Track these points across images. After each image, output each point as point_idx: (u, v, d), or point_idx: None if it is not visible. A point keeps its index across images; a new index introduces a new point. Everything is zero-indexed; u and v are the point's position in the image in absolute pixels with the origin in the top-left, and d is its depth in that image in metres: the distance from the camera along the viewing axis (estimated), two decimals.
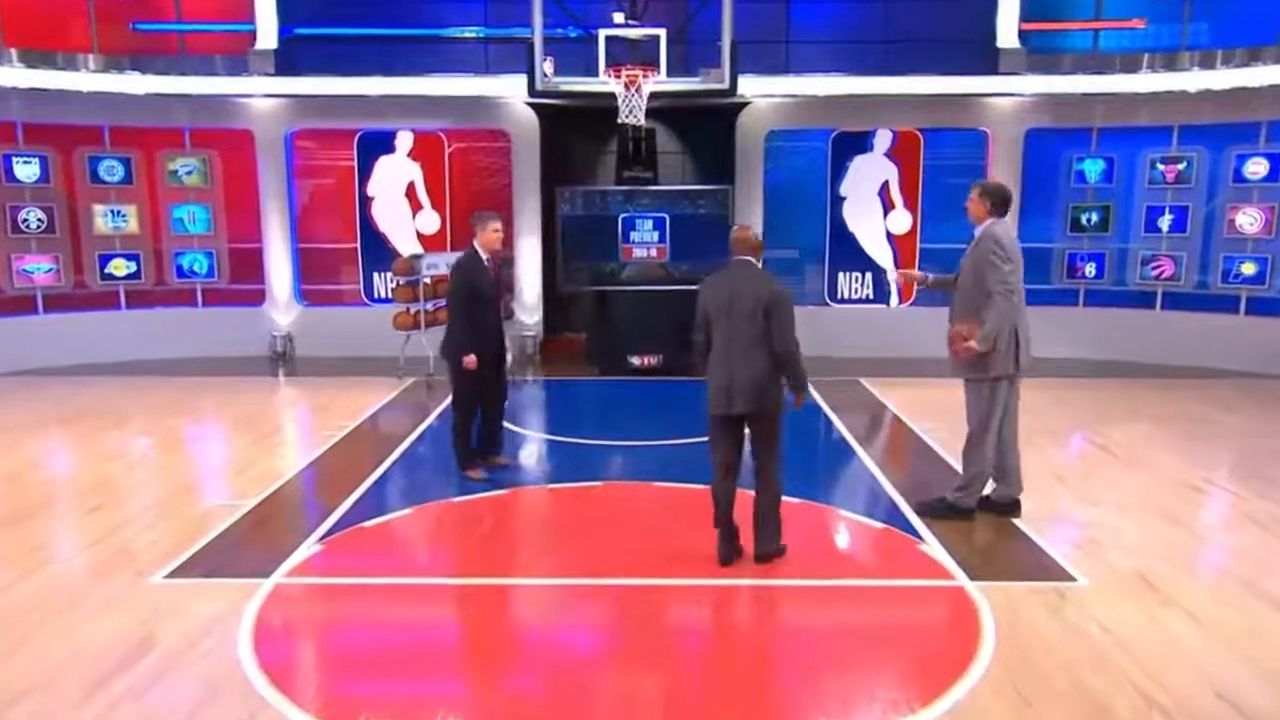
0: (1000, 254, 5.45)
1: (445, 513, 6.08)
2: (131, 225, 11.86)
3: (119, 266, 11.83)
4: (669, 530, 5.71)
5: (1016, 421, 5.83)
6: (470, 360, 6.36)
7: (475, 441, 6.71)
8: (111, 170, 11.68)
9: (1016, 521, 5.80)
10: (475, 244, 6.49)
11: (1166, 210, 11.59)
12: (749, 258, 5.00)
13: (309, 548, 5.36)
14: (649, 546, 5.41)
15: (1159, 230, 11.66)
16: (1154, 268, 11.71)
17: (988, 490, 5.92)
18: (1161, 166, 11.56)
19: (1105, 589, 4.79)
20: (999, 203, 5.71)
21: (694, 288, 10.95)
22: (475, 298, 6.43)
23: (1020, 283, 5.55)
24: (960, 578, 4.92)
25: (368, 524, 5.77)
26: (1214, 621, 4.42)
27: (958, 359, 5.70)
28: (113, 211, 11.75)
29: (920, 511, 5.92)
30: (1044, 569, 5.08)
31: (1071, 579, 4.91)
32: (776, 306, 4.79)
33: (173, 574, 4.98)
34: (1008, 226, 5.73)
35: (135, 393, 9.86)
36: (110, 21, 11.61)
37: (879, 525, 5.79)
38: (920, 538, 5.52)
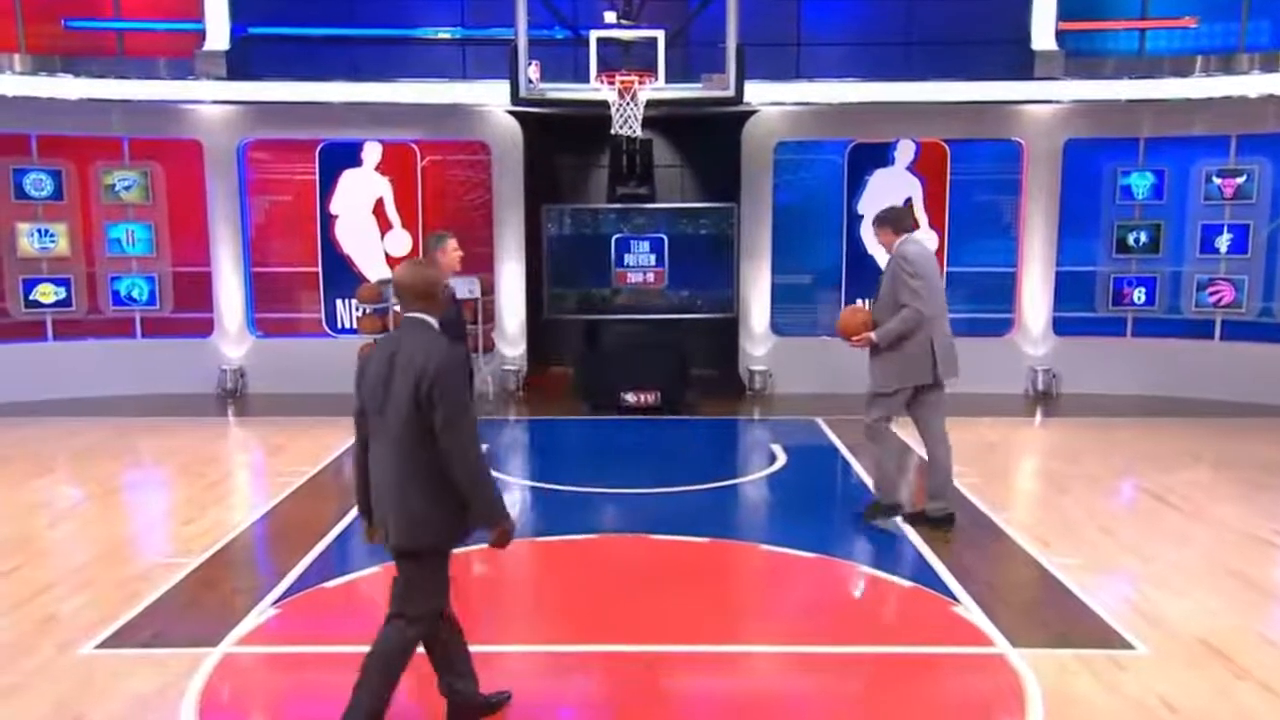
0: (908, 269, 6.40)
1: None
2: (61, 246, 11.86)
3: (46, 293, 11.80)
4: (670, 589, 5.66)
5: (934, 436, 6.77)
6: None
7: None
8: (39, 184, 11.69)
9: (1062, 579, 5.79)
10: None
11: (1225, 229, 11.68)
12: (421, 314, 3.80)
13: (262, 612, 5.28)
14: (648, 608, 5.36)
15: (1216, 251, 11.73)
16: (1211, 293, 11.77)
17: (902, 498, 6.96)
18: (1218, 180, 11.67)
19: (1167, 658, 4.75)
20: (897, 223, 6.69)
21: (696, 316, 11.31)
22: (445, 326, 6.38)
23: (935, 296, 6.52)
24: (1001, 644, 4.87)
25: (329, 584, 5.72)
26: None
27: (854, 346, 6.70)
28: (40, 231, 11.75)
29: (908, 521, 6.79)
30: (1096, 634, 5.04)
31: (1128, 646, 4.87)
32: (442, 387, 3.58)
33: (104, 644, 4.90)
34: (920, 244, 6.66)
35: (63, 435, 9.79)
36: (39, 18, 11.70)
37: (906, 584, 5.75)
38: (954, 598, 5.49)
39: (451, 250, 6.45)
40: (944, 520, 6.72)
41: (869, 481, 8.02)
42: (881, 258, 12.07)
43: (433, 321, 3.80)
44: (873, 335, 6.52)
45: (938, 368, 6.52)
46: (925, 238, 11.88)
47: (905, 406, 6.74)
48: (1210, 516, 7.18)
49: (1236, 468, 8.60)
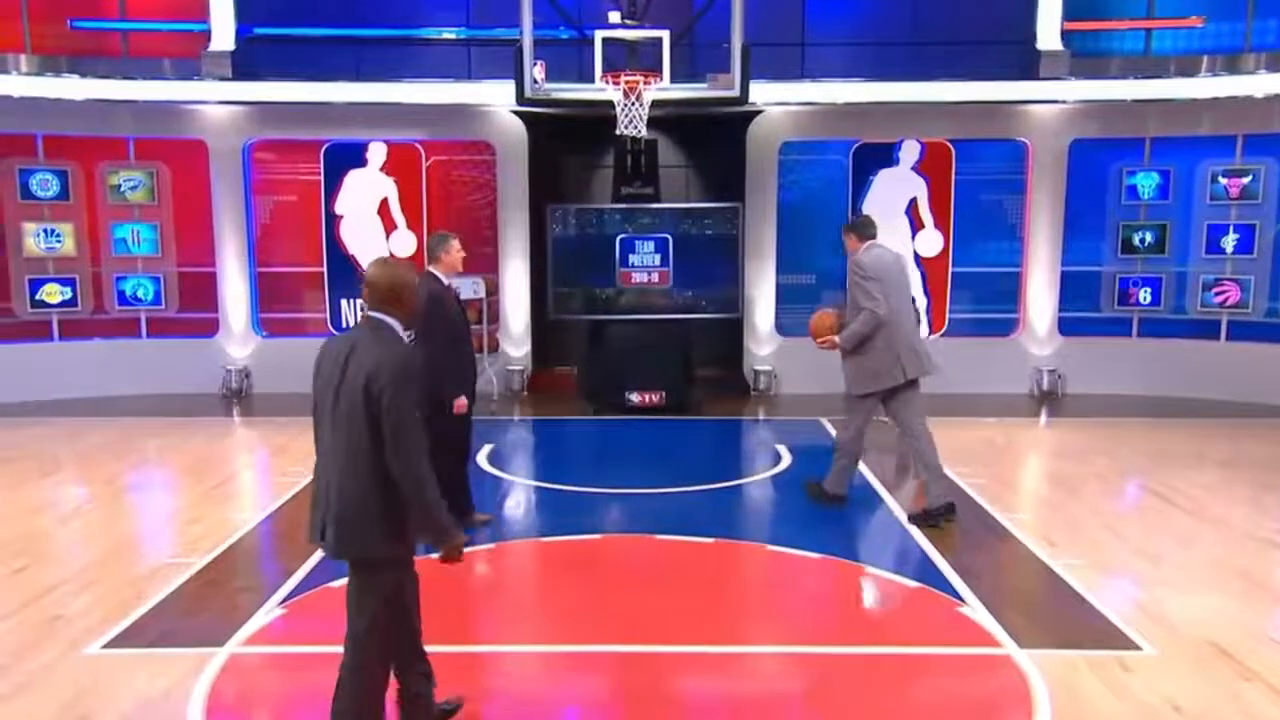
0: (861, 273, 6.79)
1: (423, 570, 5.98)
2: (67, 246, 11.87)
3: (52, 293, 11.82)
4: (675, 590, 5.67)
5: (914, 432, 6.99)
6: (462, 403, 6.33)
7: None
8: (45, 184, 11.71)
9: (1068, 579, 5.79)
10: (433, 269, 6.31)
11: (1230, 229, 11.66)
12: (383, 315, 3.65)
13: (269, 612, 5.30)
14: (653, 608, 5.37)
15: (1222, 251, 11.72)
16: (1217, 293, 11.75)
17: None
18: (1224, 180, 11.65)
19: (1175, 659, 4.74)
20: (860, 231, 7.04)
21: (701, 316, 11.30)
22: (452, 327, 6.35)
23: (895, 298, 6.79)
24: (1008, 645, 4.87)
25: (336, 584, 5.67)
26: None
27: (821, 347, 7.12)
28: (46, 231, 11.77)
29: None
30: (1102, 635, 5.03)
31: (1135, 647, 4.86)
32: (393, 394, 3.45)
33: (111, 644, 4.91)
34: (881, 250, 6.97)
35: (69, 435, 9.81)
36: (45, 18, 11.73)
37: (912, 584, 5.75)
38: (960, 598, 5.48)
39: (455, 250, 6.40)
40: (945, 510, 6.87)
41: (874, 482, 8.03)
42: None
43: (396, 325, 3.64)
44: (836, 338, 6.92)
45: (904, 368, 6.79)
46: (892, 245, 11.90)
47: (884, 407, 7.03)
48: (1217, 517, 7.16)
49: (1243, 468, 8.58)
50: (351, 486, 3.53)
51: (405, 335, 3.65)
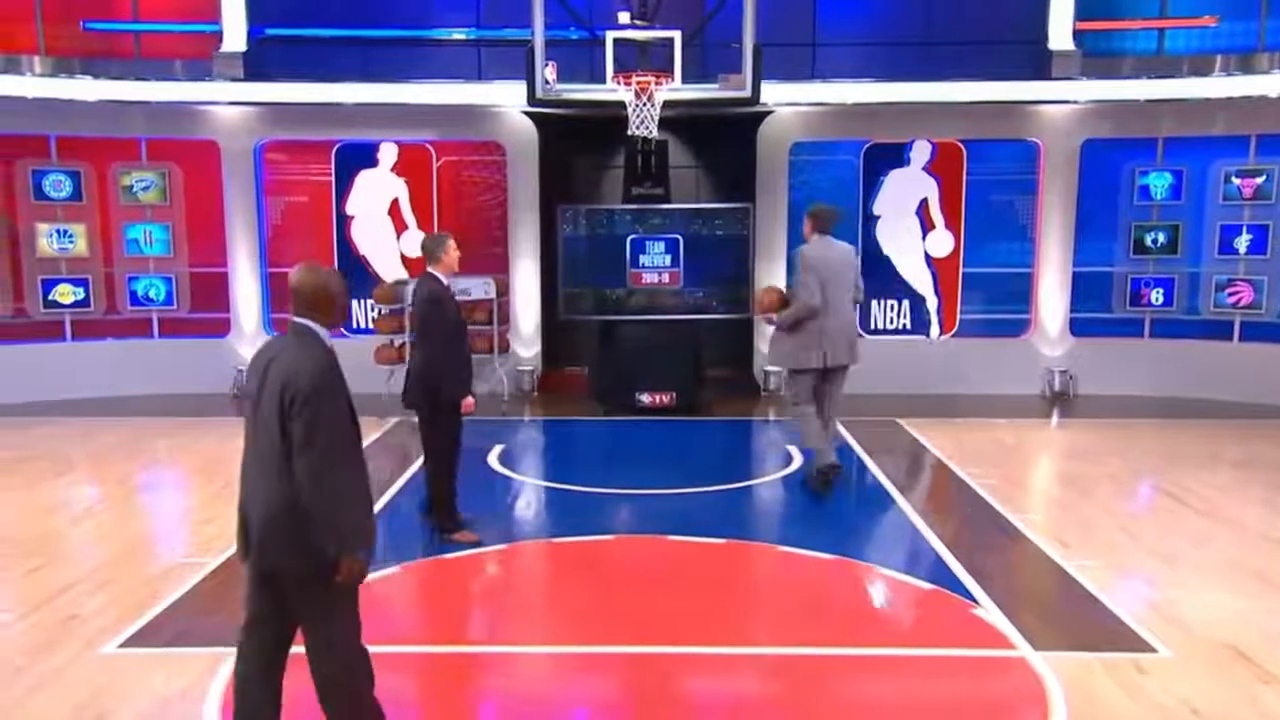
0: (802, 265, 7.46)
1: (436, 571, 6.04)
2: (80, 247, 11.92)
3: (65, 293, 11.86)
4: (688, 590, 5.67)
5: (834, 405, 7.84)
6: (470, 402, 6.37)
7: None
8: (58, 185, 11.75)
9: (1082, 581, 5.77)
10: (432, 269, 6.33)
11: (1244, 229, 11.61)
12: (309, 322, 3.51)
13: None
14: (666, 609, 5.37)
15: (1235, 252, 11.67)
16: (1230, 294, 11.70)
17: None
18: (1237, 180, 11.60)
19: (1191, 661, 4.72)
20: (816, 220, 7.64)
21: (711, 317, 11.29)
22: (454, 328, 6.38)
23: (831, 290, 7.38)
24: (1023, 647, 4.86)
25: None
26: None
27: (761, 320, 7.99)
28: (59, 231, 11.81)
29: (807, 483, 7.72)
30: (1117, 637, 5.02)
31: (1151, 649, 4.85)
32: (304, 401, 3.31)
33: (126, 644, 4.92)
34: (824, 245, 7.57)
35: (81, 435, 9.84)
36: (58, 20, 11.77)
37: (926, 586, 5.73)
38: (973, 600, 5.47)
39: (453, 250, 6.40)
40: (830, 470, 7.60)
41: (886, 483, 8.03)
42: (897, 257, 12.22)
43: (321, 332, 3.50)
44: (775, 316, 7.60)
45: (825, 354, 7.43)
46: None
47: (821, 382, 7.66)
48: (1231, 518, 7.13)
49: (1256, 469, 8.55)
50: (269, 496, 3.41)
51: (330, 341, 3.51)
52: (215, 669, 4.57)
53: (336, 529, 3.35)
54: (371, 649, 5.00)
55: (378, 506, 7.22)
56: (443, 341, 6.27)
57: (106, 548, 6.50)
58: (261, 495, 3.44)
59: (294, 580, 3.47)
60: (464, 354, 6.51)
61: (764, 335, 12.26)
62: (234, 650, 4.75)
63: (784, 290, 7.87)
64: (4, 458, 8.94)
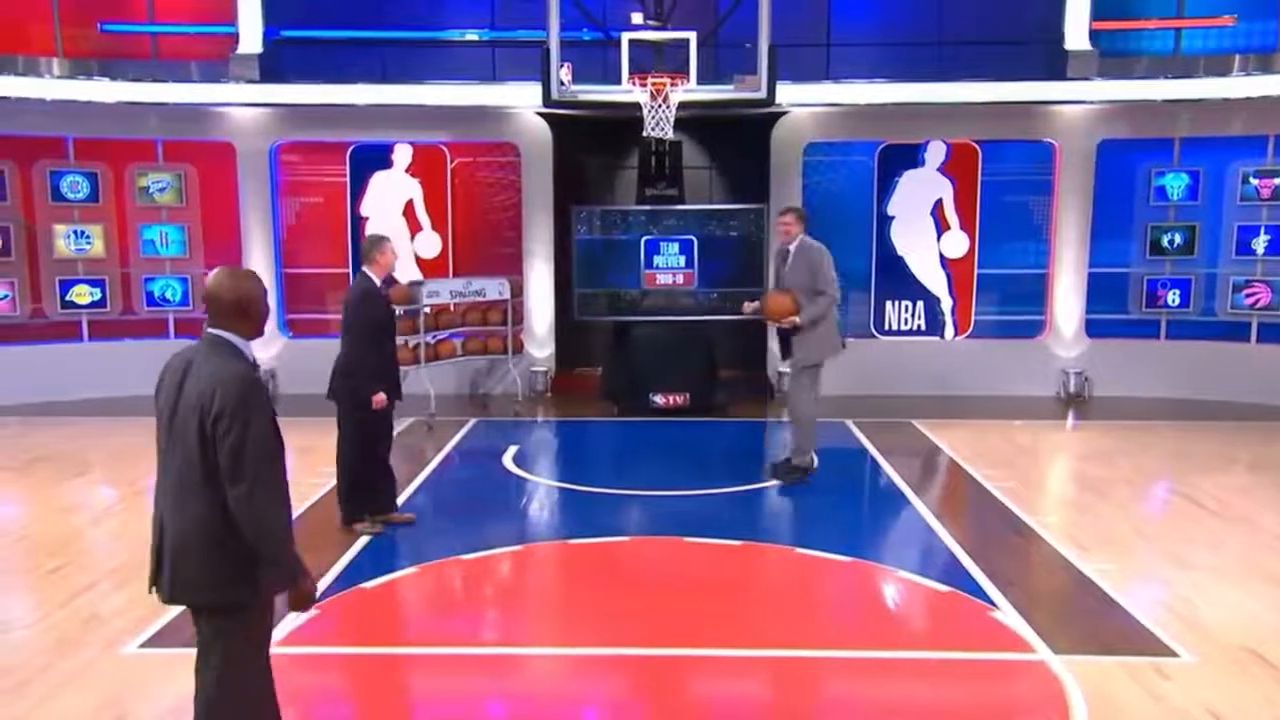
0: (826, 260, 7.67)
1: (454, 571, 6.06)
2: (97, 248, 11.98)
3: (82, 294, 11.93)
4: (704, 592, 5.67)
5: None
6: (380, 399, 6.54)
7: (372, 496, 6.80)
8: (75, 186, 11.81)
9: (1101, 584, 5.75)
10: (367, 269, 6.66)
11: (1262, 230, 11.54)
12: (227, 333, 3.23)
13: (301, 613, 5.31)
14: (682, 610, 5.37)
15: (1253, 253, 11.60)
16: (1248, 295, 11.64)
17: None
18: (1255, 181, 11.53)
19: (1212, 665, 4.70)
20: (805, 222, 7.91)
21: (725, 318, 11.29)
22: (379, 328, 6.66)
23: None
24: (1042, 650, 4.84)
25: (368, 585, 5.74)
26: None
27: (780, 326, 7.91)
28: (76, 232, 11.87)
29: (773, 475, 7.98)
30: (1137, 640, 5.00)
31: (1171, 653, 4.83)
32: (229, 422, 3.05)
33: (147, 644, 4.95)
34: (816, 240, 7.90)
35: (99, 435, 9.89)
36: (76, 22, 11.84)
37: (943, 588, 5.72)
38: (991, 603, 5.45)
39: (389, 253, 6.72)
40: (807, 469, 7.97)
41: (902, 485, 8.02)
42: (911, 258, 12.18)
43: (239, 342, 3.23)
44: (797, 319, 7.64)
45: (842, 341, 8.01)
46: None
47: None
48: (1249, 521, 7.09)
49: (1274, 471, 8.50)
50: (183, 522, 3.12)
51: (250, 353, 3.28)
52: None
53: (274, 555, 3.12)
54: (385, 650, 5.05)
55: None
56: (369, 340, 6.56)
57: (126, 548, 6.52)
58: (178, 521, 3.14)
59: (205, 613, 3.22)
60: (388, 353, 6.78)
61: (777, 337, 12.28)
62: None
63: (789, 291, 7.82)
64: (23, 458, 9.00)
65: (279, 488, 3.16)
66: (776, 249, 8.30)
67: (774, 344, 12.19)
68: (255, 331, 3.29)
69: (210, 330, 3.23)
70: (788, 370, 8.15)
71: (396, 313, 7.45)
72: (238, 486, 3.03)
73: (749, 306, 8.40)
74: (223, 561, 3.11)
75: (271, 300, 12.00)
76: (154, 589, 3.27)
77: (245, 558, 3.11)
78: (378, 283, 6.67)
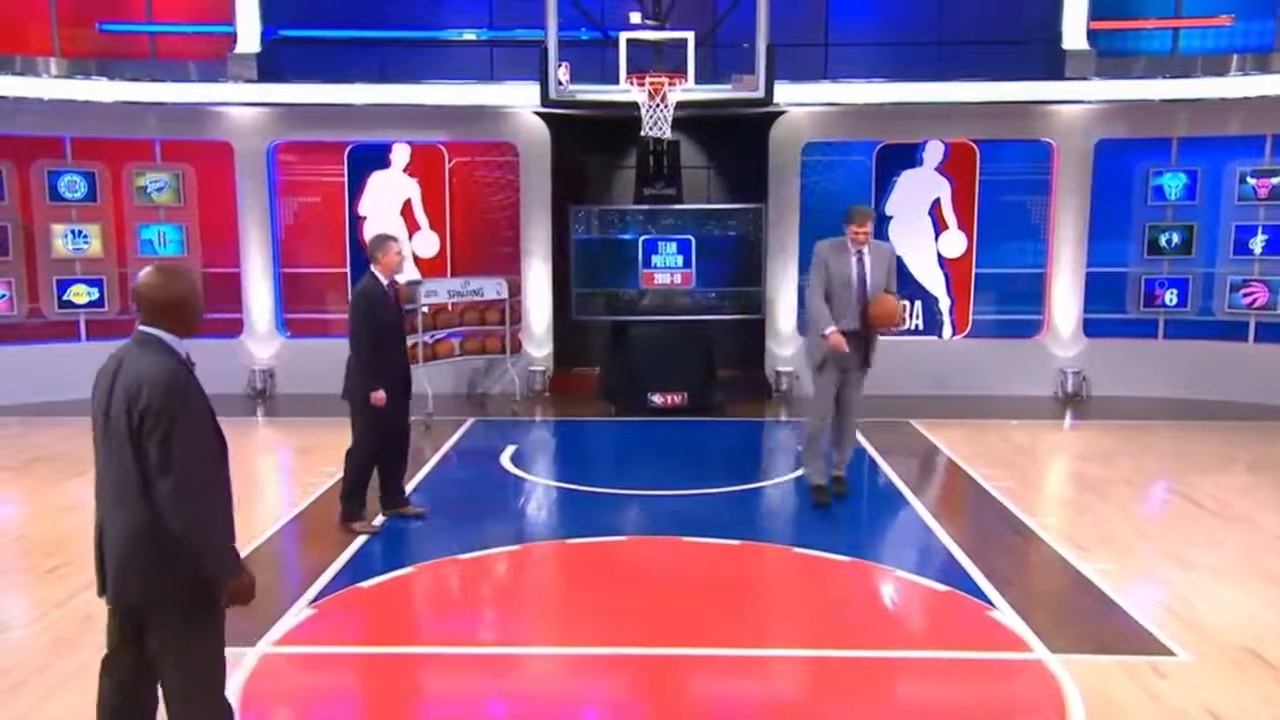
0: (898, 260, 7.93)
1: (452, 571, 6.05)
2: (94, 247, 11.96)
3: (79, 293, 11.91)
4: (702, 592, 5.67)
5: None
6: (379, 396, 6.53)
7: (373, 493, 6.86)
8: (73, 186, 11.80)
9: (1099, 584, 5.74)
10: (374, 269, 6.66)
11: (1259, 230, 11.54)
12: (158, 331, 3.19)
13: (299, 612, 5.30)
14: (680, 610, 5.36)
15: (1250, 253, 11.61)
16: (1245, 295, 11.64)
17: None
18: (1253, 181, 11.53)
19: (1210, 665, 4.70)
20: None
21: (723, 318, 11.29)
22: (383, 328, 6.63)
23: None
24: (1039, 649, 4.84)
25: (365, 584, 5.73)
26: None
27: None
28: (73, 232, 11.86)
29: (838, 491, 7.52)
30: (1135, 640, 4.99)
31: (1169, 653, 4.82)
32: (155, 417, 3.03)
33: None
34: None
35: None
36: (73, 22, 11.82)
37: (941, 588, 5.71)
38: (989, 603, 5.45)
39: (394, 252, 6.71)
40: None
41: (899, 485, 8.00)
42: (910, 258, 12.16)
43: (171, 342, 3.18)
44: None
45: None
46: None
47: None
48: (1247, 520, 7.09)
49: (1272, 471, 8.50)
50: (127, 524, 3.11)
51: (182, 350, 3.22)
52: (232, 668, 4.56)
53: (206, 553, 3.11)
54: (383, 650, 5.04)
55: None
56: (373, 340, 6.55)
57: None
58: (119, 523, 3.12)
59: (156, 615, 3.17)
60: (393, 353, 6.74)
61: (776, 336, 12.29)
62: (249, 649, 4.78)
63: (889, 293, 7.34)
64: (22, 458, 8.98)
65: (211, 484, 3.15)
66: (826, 253, 7.14)
67: (774, 347, 12.26)
68: (187, 330, 3.25)
69: (140, 328, 3.19)
70: (850, 376, 7.41)
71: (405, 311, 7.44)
72: (163, 481, 3.02)
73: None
74: (164, 560, 3.09)
75: (269, 300, 12.06)
76: (103, 593, 3.26)
77: (187, 556, 3.09)
78: (384, 282, 6.65)
